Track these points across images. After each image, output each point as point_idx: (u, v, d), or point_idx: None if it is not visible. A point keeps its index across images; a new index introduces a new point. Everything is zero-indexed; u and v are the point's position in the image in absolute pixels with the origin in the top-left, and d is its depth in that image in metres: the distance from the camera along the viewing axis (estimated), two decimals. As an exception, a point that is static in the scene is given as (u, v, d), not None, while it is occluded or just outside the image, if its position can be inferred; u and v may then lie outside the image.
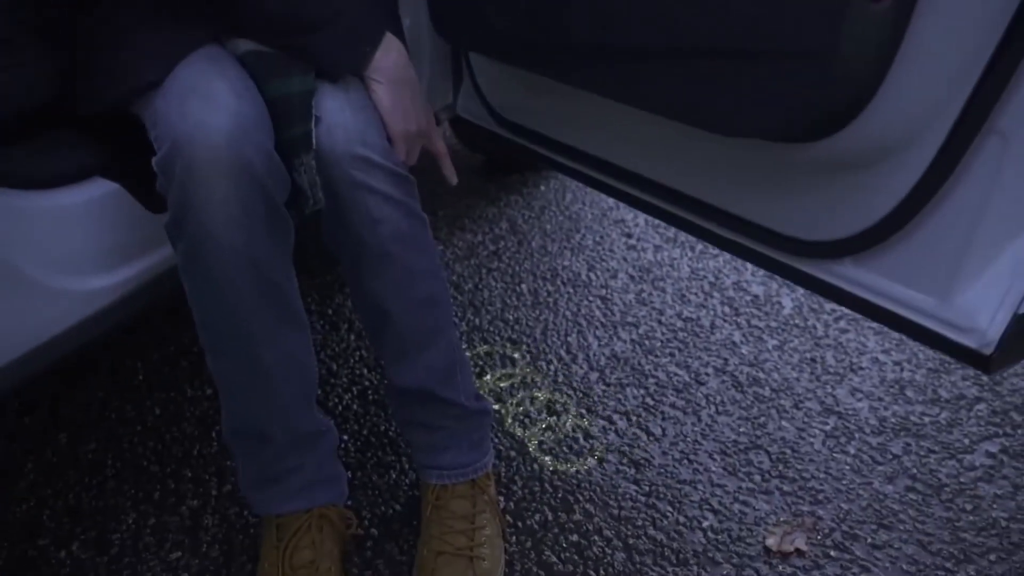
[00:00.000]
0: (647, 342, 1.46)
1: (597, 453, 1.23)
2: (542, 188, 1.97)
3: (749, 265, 1.66)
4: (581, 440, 1.25)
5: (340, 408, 1.31)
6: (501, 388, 1.35)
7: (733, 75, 0.81)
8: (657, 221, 1.84)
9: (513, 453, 1.23)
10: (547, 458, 1.22)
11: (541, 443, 1.25)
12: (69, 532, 1.10)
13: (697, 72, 0.84)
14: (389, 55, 0.91)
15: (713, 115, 0.87)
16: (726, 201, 1.02)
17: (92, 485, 1.17)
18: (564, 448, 1.24)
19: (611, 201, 1.92)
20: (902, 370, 1.37)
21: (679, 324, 1.50)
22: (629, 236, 1.78)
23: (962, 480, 1.17)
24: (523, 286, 1.61)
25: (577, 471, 1.20)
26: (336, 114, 0.87)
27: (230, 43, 0.89)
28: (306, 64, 0.87)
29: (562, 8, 0.96)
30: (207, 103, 0.78)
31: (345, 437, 1.26)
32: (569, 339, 1.47)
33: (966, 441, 1.23)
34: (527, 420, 1.29)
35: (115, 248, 0.95)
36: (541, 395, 1.34)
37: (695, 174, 1.05)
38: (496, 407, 1.31)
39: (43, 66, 0.95)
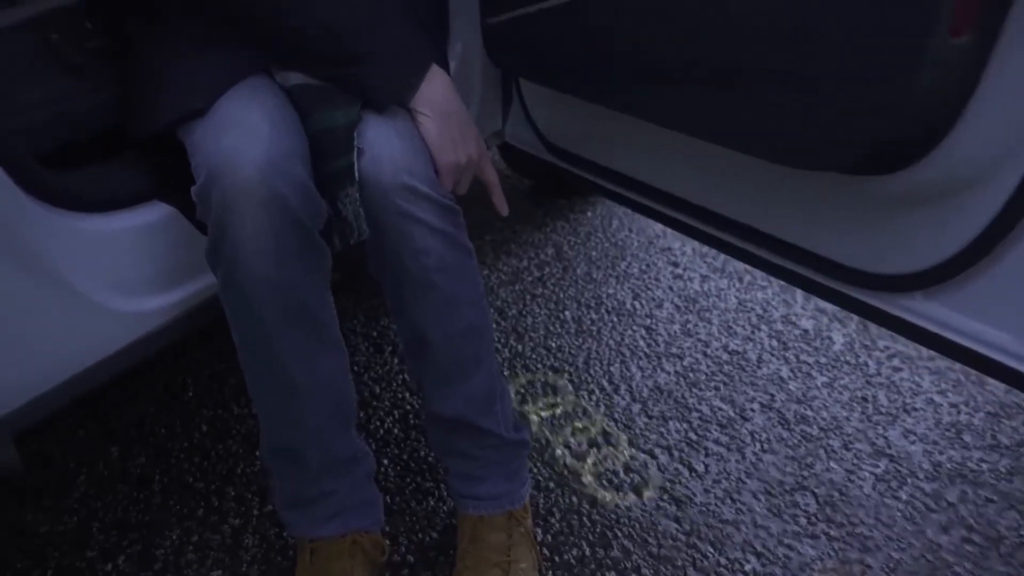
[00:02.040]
0: (691, 374, 1.43)
1: (638, 488, 1.21)
2: (589, 214, 1.97)
3: (799, 297, 1.63)
4: (622, 474, 1.23)
5: (381, 432, 1.32)
6: (542, 417, 1.35)
7: (806, 106, 0.80)
8: (705, 250, 1.82)
9: (552, 484, 1.22)
10: (587, 491, 1.21)
11: (580, 475, 1.23)
12: (116, 545, 1.13)
13: (769, 103, 0.83)
14: (435, 86, 0.92)
15: (785, 148, 0.86)
16: (788, 231, 1.00)
17: (140, 500, 1.20)
18: (604, 481, 1.22)
19: (658, 228, 1.91)
20: (959, 413, 1.32)
21: (725, 357, 1.47)
22: (676, 265, 1.76)
23: (1023, 533, 1.11)
24: (567, 313, 1.60)
25: (617, 506, 1.18)
26: (383, 144, 0.88)
27: (279, 74, 0.91)
28: (351, 96, 0.89)
29: (626, 37, 0.96)
30: (243, 134, 0.80)
31: (385, 461, 1.26)
32: (612, 369, 1.45)
33: (1027, 491, 1.17)
34: (567, 451, 1.28)
35: (169, 270, 0.98)
36: (582, 426, 1.33)
37: (755, 203, 1.03)
38: (535, 436, 1.30)
39: (109, 92, 0.99)
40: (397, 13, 0.95)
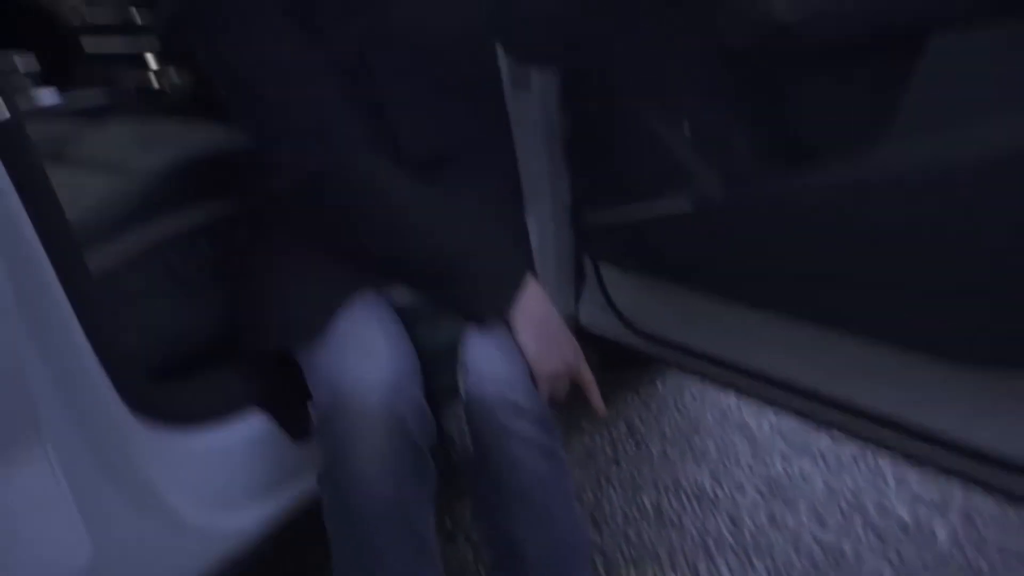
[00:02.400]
0: (785, 572, 1.34)
1: None
2: (658, 386, 1.94)
3: (891, 483, 1.54)
4: None
5: (458, 637, 1.25)
6: (628, 622, 1.26)
7: (978, 306, 0.80)
8: (782, 426, 1.76)
9: None
10: None
11: None
12: None
13: (945, 306, 0.82)
14: (530, 297, 0.94)
15: (961, 348, 0.84)
16: (938, 421, 0.94)
17: None
18: None
19: (731, 402, 1.86)
20: (1093, 626, 1.20)
21: (818, 552, 1.38)
22: (753, 442, 1.70)
23: None
24: (645, 498, 1.54)
25: None
26: (485, 361, 0.89)
27: (386, 290, 0.94)
28: (453, 313, 0.91)
29: (780, 242, 0.96)
30: (366, 357, 0.82)
31: (462, 671, 1.19)
32: (698, 565, 1.37)
33: None
34: (660, 667, 1.18)
35: (266, 481, 0.98)
36: (672, 633, 1.24)
37: (889, 392, 0.98)
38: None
39: (214, 306, 1.03)
40: (493, 228, 0.99)
